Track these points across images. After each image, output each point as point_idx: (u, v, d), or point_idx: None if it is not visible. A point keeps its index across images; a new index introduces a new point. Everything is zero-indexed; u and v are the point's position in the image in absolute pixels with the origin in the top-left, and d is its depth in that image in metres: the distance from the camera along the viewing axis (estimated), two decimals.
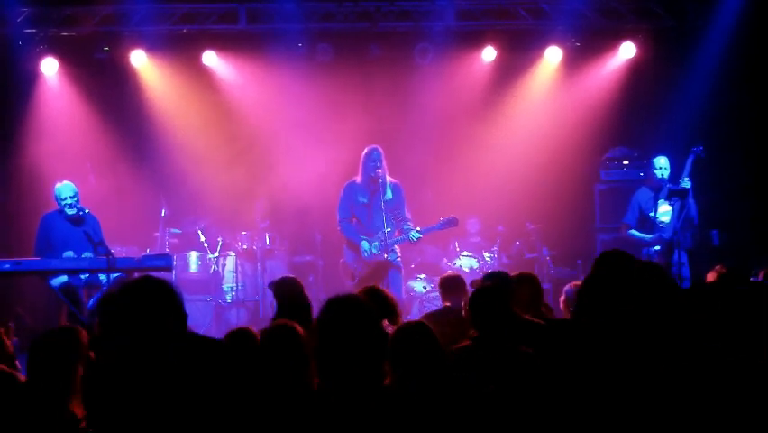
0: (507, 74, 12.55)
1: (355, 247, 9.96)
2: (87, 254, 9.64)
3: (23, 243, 10.51)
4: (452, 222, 10.01)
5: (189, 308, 11.80)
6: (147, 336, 3.49)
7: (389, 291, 8.75)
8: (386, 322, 5.49)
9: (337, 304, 4.05)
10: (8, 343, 5.38)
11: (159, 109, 12.38)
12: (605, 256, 4.76)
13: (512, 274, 6.57)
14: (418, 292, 11.38)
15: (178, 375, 3.39)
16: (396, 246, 9.89)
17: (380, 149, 9.89)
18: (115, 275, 9.58)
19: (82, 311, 9.29)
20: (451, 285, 7.33)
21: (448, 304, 7.16)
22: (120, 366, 3.47)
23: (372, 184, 9.85)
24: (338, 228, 10.15)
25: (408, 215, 10.04)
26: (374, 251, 9.81)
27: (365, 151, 9.93)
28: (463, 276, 11.30)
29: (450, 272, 8.01)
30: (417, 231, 9.83)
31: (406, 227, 9.92)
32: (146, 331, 3.49)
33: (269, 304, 11.11)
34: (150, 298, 3.54)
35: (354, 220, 10.05)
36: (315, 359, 4.06)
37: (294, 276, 7.51)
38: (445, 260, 11.77)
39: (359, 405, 3.74)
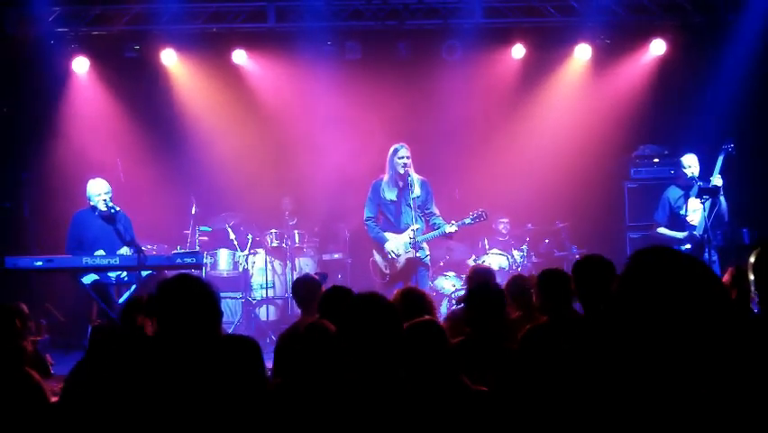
0: (536, 71, 12.52)
1: (382, 248, 9.98)
2: (125, 250, 9.71)
3: (55, 240, 10.60)
4: (483, 216, 9.99)
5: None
6: (183, 335, 3.52)
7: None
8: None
9: (360, 302, 4.09)
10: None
11: (188, 108, 12.47)
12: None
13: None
14: (447, 290, 11.37)
15: (213, 373, 3.41)
16: (424, 244, 9.90)
17: (407, 146, 9.89)
18: (146, 273, 9.67)
19: (113, 308, 9.36)
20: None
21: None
22: (156, 365, 3.50)
23: (400, 181, 9.87)
24: (364, 227, 10.18)
25: (437, 210, 10.04)
26: (401, 250, 9.82)
27: (392, 148, 9.94)
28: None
29: (477, 265, 7.91)
30: (453, 223, 9.83)
31: (437, 222, 9.92)
32: (183, 330, 3.52)
33: None
34: (188, 296, 3.56)
35: (382, 218, 10.07)
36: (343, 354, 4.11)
37: (309, 275, 7.51)
38: (474, 257, 11.74)
39: (378, 400, 3.76)
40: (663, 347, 2.59)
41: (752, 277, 4.54)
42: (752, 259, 4.59)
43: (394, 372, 3.91)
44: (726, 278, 6.14)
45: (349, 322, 4.05)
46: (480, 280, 6.74)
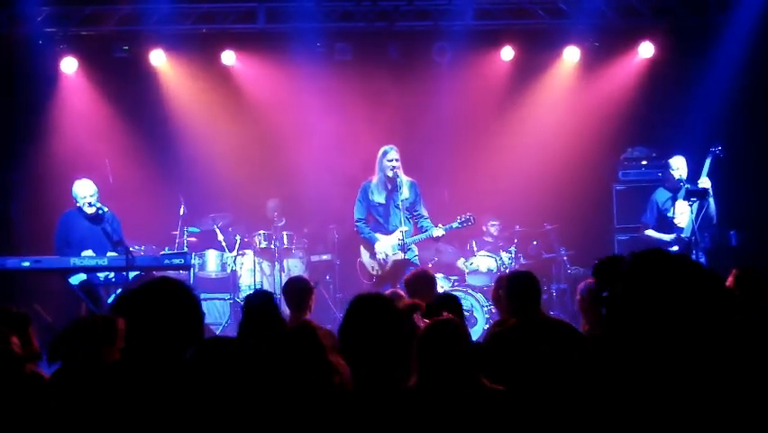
0: (526, 73, 12.53)
1: (372, 247, 9.99)
2: (113, 254, 9.72)
3: (44, 240, 10.58)
4: (471, 220, 10.02)
5: (207, 306, 11.82)
6: (162, 339, 3.51)
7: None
8: (418, 316, 5.52)
9: (363, 302, 4.08)
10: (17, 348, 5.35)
11: (178, 108, 12.44)
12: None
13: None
14: None
15: (195, 377, 3.41)
16: (413, 245, 9.92)
17: (396, 148, 9.91)
18: (134, 273, 9.66)
19: (101, 309, 9.35)
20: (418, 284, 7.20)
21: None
22: (134, 369, 3.50)
23: (389, 183, 9.88)
24: (354, 229, 10.19)
25: (425, 212, 10.06)
26: (390, 252, 9.84)
27: (381, 150, 9.95)
28: (482, 277, 11.43)
29: (417, 270, 7.87)
30: (440, 227, 9.85)
31: (425, 225, 9.94)
32: (162, 333, 3.52)
33: None
34: (167, 299, 3.56)
35: (372, 220, 10.08)
36: (342, 355, 4.10)
37: (301, 276, 7.52)
38: (462, 259, 11.76)
39: (384, 402, 3.75)
40: (667, 347, 2.60)
41: None
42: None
43: (397, 374, 3.91)
44: (729, 280, 6.18)
45: (352, 324, 4.05)
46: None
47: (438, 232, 9.84)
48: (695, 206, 9.82)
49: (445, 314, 4.65)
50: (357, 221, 10.10)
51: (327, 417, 3.75)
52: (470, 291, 10.96)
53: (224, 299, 11.93)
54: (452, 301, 5.67)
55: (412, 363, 3.97)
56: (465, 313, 5.72)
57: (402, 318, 4.17)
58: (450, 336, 3.96)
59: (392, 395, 3.80)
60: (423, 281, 7.07)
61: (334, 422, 3.74)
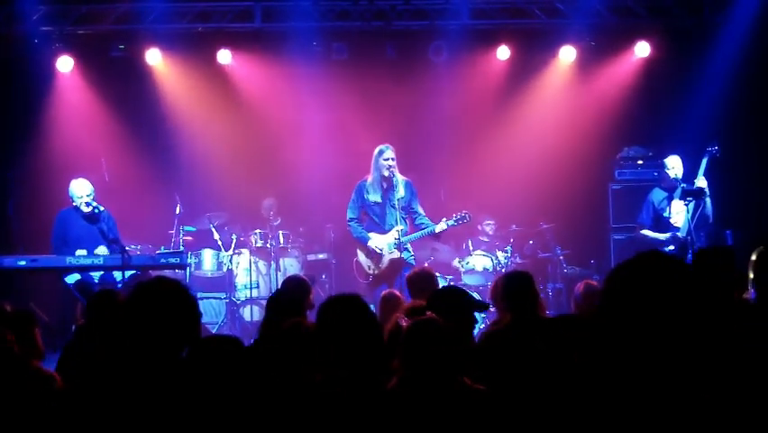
0: (522, 73, 12.53)
1: (365, 247, 9.97)
2: (103, 249, 9.71)
3: (40, 239, 10.57)
4: (466, 218, 9.99)
5: (203, 305, 11.78)
6: (159, 338, 3.51)
7: (403, 290, 8.80)
8: (400, 315, 5.51)
9: (336, 303, 4.08)
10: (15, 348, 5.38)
11: (174, 107, 12.43)
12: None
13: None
14: None
15: (191, 377, 3.41)
16: (408, 244, 9.90)
17: (392, 147, 9.89)
18: (130, 272, 9.66)
19: None
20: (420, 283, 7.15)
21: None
22: (131, 368, 3.50)
23: (385, 182, 9.87)
24: (347, 228, 10.18)
25: (422, 210, 10.03)
26: (385, 249, 9.82)
27: (377, 149, 9.93)
28: (478, 276, 11.44)
29: (419, 268, 7.84)
30: (444, 221, 9.80)
31: (424, 222, 9.91)
32: (158, 333, 3.52)
33: None
34: (163, 299, 3.56)
35: (366, 219, 10.06)
36: (317, 355, 4.11)
37: (298, 275, 7.51)
38: (458, 259, 11.76)
39: (359, 402, 3.75)
40: (662, 348, 2.60)
41: (751, 275, 4.57)
42: (753, 257, 4.63)
43: (375, 374, 3.91)
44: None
45: (325, 324, 4.05)
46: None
47: (441, 226, 9.79)
48: (691, 205, 9.82)
49: (429, 313, 4.64)
50: (349, 220, 10.08)
51: (309, 417, 3.75)
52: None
53: (220, 299, 11.92)
54: (455, 293, 5.60)
55: (393, 364, 3.97)
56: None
57: (375, 318, 4.16)
58: (430, 336, 3.95)
59: (371, 396, 3.79)
60: (425, 280, 7.07)
61: (315, 422, 3.74)
